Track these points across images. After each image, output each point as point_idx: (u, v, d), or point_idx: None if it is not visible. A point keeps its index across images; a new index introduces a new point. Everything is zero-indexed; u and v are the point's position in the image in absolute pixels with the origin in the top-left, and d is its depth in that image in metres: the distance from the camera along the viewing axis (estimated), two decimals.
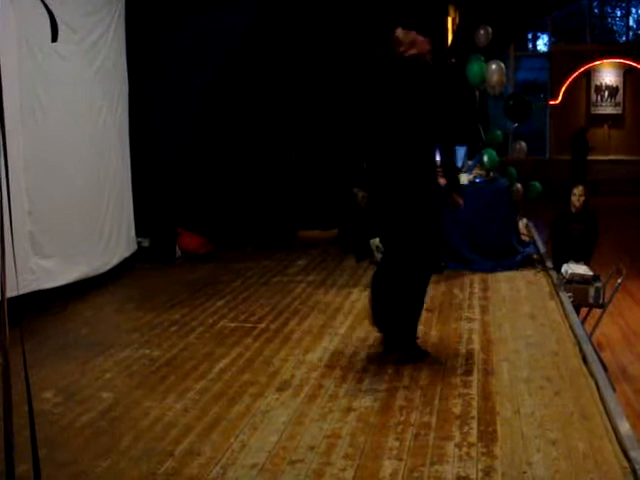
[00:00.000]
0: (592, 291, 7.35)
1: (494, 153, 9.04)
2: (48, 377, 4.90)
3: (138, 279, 8.14)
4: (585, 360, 5.02)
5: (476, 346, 5.46)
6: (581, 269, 7.58)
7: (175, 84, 9.07)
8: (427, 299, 5.56)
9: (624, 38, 24.55)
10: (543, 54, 23.58)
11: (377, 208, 5.06)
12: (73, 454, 3.77)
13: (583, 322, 7.06)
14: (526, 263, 8.24)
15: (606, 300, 7.34)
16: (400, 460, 3.62)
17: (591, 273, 7.56)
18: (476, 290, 7.24)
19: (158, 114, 9.04)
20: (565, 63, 22.06)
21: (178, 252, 9.12)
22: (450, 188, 5.31)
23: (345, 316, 6.34)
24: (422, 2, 10.28)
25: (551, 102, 22.27)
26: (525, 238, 9.39)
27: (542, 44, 24.40)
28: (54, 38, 3.03)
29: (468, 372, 4.88)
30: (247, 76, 9.59)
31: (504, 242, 8.31)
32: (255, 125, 9.83)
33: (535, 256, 8.53)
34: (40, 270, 6.48)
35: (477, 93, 9.68)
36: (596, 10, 24.38)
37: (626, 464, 3.51)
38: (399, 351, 5.12)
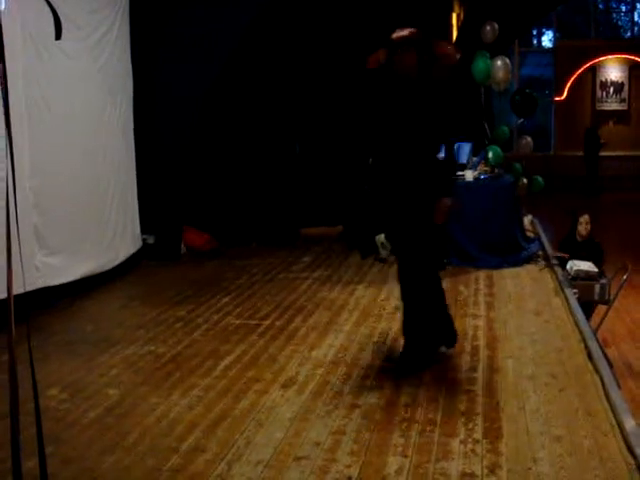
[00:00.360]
0: (597, 288, 7.35)
1: (499, 149, 9.03)
2: (54, 374, 4.91)
3: (143, 276, 8.15)
4: (590, 356, 5.01)
5: (481, 343, 5.46)
6: (586, 265, 7.58)
7: (179, 81, 9.07)
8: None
9: (629, 33, 24.44)
10: (548, 50, 23.50)
11: (382, 205, 5.02)
12: (79, 450, 3.79)
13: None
14: (531, 259, 8.23)
15: (612, 296, 7.33)
16: (405, 457, 3.63)
17: (596, 270, 7.56)
18: (481, 287, 7.23)
19: (162, 111, 9.04)
20: (570, 59, 21.98)
21: (183, 249, 9.13)
22: (440, 190, 4.84)
23: (350, 313, 6.34)
24: None
25: (556, 98, 22.21)
26: (530, 234, 9.38)
27: (547, 40, 24.32)
28: (58, 36, 3.04)
29: (473, 369, 4.88)
30: (251, 72, 9.58)
31: (509, 238, 8.31)
32: (259, 121, 9.82)
33: (540, 253, 8.52)
34: (46, 267, 6.50)
35: (482, 89, 9.67)
36: (601, 5, 24.28)
37: (631, 460, 3.51)
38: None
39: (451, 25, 12.05)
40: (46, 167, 6.52)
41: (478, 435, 3.85)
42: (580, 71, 22.07)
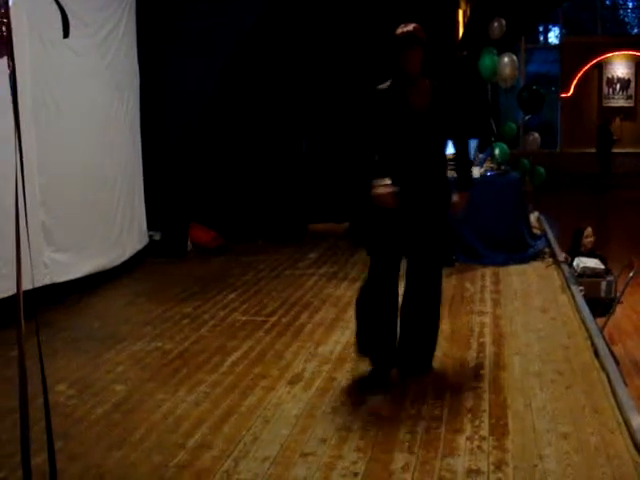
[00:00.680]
0: (604, 285, 7.33)
1: (505, 146, 9.03)
2: (61, 370, 4.93)
3: (150, 272, 8.16)
4: (597, 354, 5.01)
5: (487, 339, 5.47)
6: (592, 263, 7.57)
7: (186, 77, 9.08)
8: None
9: (636, 30, 24.40)
10: (554, 47, 23.44)
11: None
12: (86, 446, 3.80)
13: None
14: (537, 256, 8.22)
15: (618, 294, 7.32)
16: (411, 453, 3.64)
17: (603, 267, 7.55)
18: (487, 283, 7.23)
19: (169, 107, 9.05)
20: (576, 55, 21.92)
21: (189, 245, 9.14)
22: (461, 184, 4.87)
23: None
24: None
25: (562, 95, 22.16)
26: (537, 231, 9.37)
27: (553, 36, 24.27)
28: (66, 34, 3.05)
29: (479, 365, 4.89)
30: (257, 68, 9.59)
31: (516, 235, 8.30)
32: (265, 117, 9.83)
33: (546, 250, 8.51)
34: (53, 264, 6.52)
35: (489, 86, 9.66)
36: (608, 2, 24.21)
37: (638, 458, 3.51)
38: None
39: (457, 22, 12.03)
40: (53, 164, 6.53)
41: (484, 432, 3.86)
42: (587, 68, 22.01)
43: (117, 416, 4.20)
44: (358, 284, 7.14)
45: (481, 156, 9.14)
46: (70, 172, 6.85)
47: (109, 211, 7.65)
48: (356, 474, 3.44)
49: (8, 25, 2.55)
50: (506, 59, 9.01)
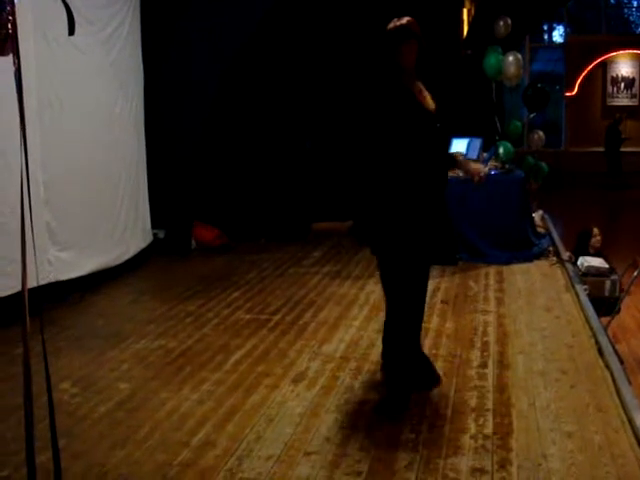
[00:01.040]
0: (608, 284, 7.33)
1: (509, 145, 9.02)
2: (65, 368, 4.93)
3: (153, 271, 8.17)
4: (601, 352, 5.01)
5: (491, 338, 5.46)
6: (597, 261, 7.56)
7: (190, 76, 9.08)
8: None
9: None
10: (559, 45, 23.43)
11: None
12: (89, 444, 3.81)
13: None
14: (541, 255, 8.22)
15: (622, 293, 7.32)
16: (415, 452, 3.63)
17: (607, 266, 7.54)
18: (491, 282, 7.22)
19: (173, 106, 9.05)
20: (581, 54, 21.91)
21: (193, 244, 9.14)
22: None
23: (360, 308, 6.34)
24: None
25: (567, 94, 22.15)
26: (541, 230, 9.36)
27: (558, 35, 24.25)
28: (71, 31, 3.04)
29: (483, 364, 4.88)
30: (261, 66, 9.58)
31: (520, 234, 8.29)
32: (269, 116, 9.82)
33: (550, 248, 8.50)
34: (58, 261, 6.52)
35: (494, 85, 9.65)
36: (612, 1, 24.19)
37: None
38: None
39: (462, 21, 12.02)
40: (57, 162, 6.54)
41: (488, 431, 3.85)
42: (591, 66, 22.00)
43: (121, 414, 4.20)
44: (362, 282, 7.20)
45: (485, 155, 9.13)
46: (74, 170, 6.85)
47: (113, 209, 7.65)
48: (360, 473, 3.44)
49: (14, 23, 2.55)
50: (511, 58, 8.99)
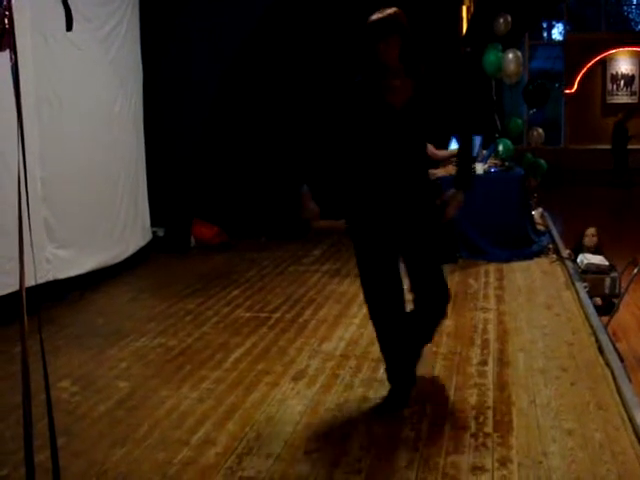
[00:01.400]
0: (608, 281, 7.33)
1: (509, 142, 9.02)
2: (64, 366, 4.93)
3: (153, 269, 8.16)
4: (601, 350, 5.00)
5: (491, 336, 5.45)
6: (597, 259, 7.56)
7: (189, 73, 9.07)
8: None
9: None
10: (558, 43, 23.43)
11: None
12: (89, 443, 3.79)
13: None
14: (541, 253, 8.21)
15: (622, 290, 7.31)
16: (415, 450, 3.62)
17: (607, 263, 7.54)
18: (491, 280, 7.22)
19: (173, 103, 9.04)
20: (580, 52, 21.91)
21: (193, 242, 9.14)
22: (457, 182, 4.43)
23: (360, 305, 6.31)
24: None
25: (566, 91, 22.15)
26: (540, 228, 9.36)
27: (557, 33, 24.25)
28: (69, 27, 3.03)
29: (483, 362, 4.88)
30: (261, 65, 9.57)
31: (520, 232, 8.28)
32: (268, 114, 9.81)
33: (550, 246, 8.50)
34: (56, 260, 6.51)
35: (493, 82, 9.65)
36: None
37: None
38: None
39: (461, 18, 12.01)
40: (56, 160, 6.53)
41: (489, 428, 3.85)
42: (590, 64, 22.00)
43: (120, 413, 4.19)
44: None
45: (485, 152, 9.13)
46: (73, 168, 6.84)
47: (112, 207, 7.64)
48: (360, 471, 3.43)
49: (10, 18, 2.54)
50: (511, 55, 8.99)
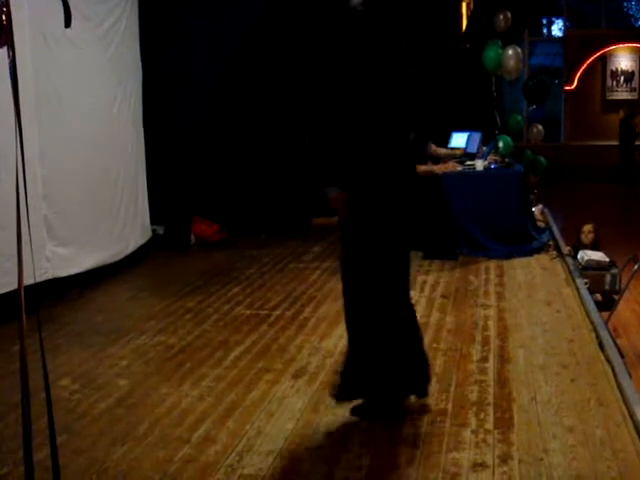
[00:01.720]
0: (608, 277, 7.32)
1: (509, 139, 9.02)
2: (65, 364, 4.92)
3: (153, 267, 8.16)
4: (601, 346, 5.00)
5: (492, 333, 5.45)
6: (597, 255, 7.55)
7: (189, 71, 9.06)
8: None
9: None
10: (558, 39, 23.41)
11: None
12: (90, 441, 3.80)
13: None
14: (542, 249, 8.21)
15: (622, 287, 7.31)
16: (416, 447, 3.62)
17: (607, 260, 7.53)
18: (491, 276, 7.21)
19: (172, 101, 9.03)
20: (580, 48, 21.90)
21: (192, 239, 9.13)
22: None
23: None
24: None
25: (566, 87, 22.14)
26: (541, 224, 9.35)
27: (557, 29, 24.24)
28: (67, 23, 3.02)
29: (484, 359, 4.87)
30: (260, 62, 9.56)
31: (520, 228, 8.28)
32: (268, 111, 9.80)
33: (551, 242, 8.49)
34: (55, 258, 6.51)
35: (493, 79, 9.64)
36: None
37: None
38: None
39: (461, 14, 12.00)
40: (56, 158, 6.52)
41: (489, 425, 3.84)
42: (590, 60, 21.99)
43: (121, 411, 4.19)
44: None
45: (485, 149, 9.13)
46: (73, 165, 6.83)
47: (112, 205, 7.64)
48: (360, 468, 3.43)
49: (8, 14, 2.53)
50: (510, 51, 8.99)
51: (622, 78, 22.10)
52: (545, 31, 24.49)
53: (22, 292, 2.67)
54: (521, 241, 8.18)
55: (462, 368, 4.71)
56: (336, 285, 6.95)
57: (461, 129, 9.54)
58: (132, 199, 8.06)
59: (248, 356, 5.05)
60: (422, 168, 8.04)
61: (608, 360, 4.72)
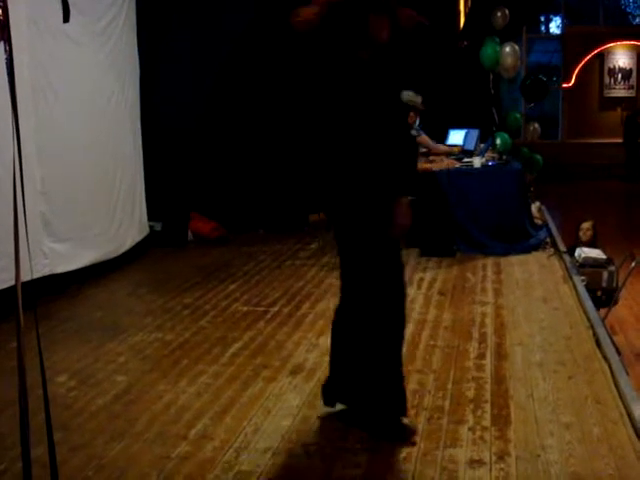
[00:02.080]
0: (605, 275, 7.33)
1: (507, 136, 9.02)
2: (62, 361, 4.92)
3: (150, 263, 8.15)
4: (598, 344, 5.00)
5: (489, 330, 5.45)
6: (594, 253, 7.56)
7: (186, 68, 9.05)
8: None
9: (638, 20, 24.37)
10: (556, 37, 23.41)
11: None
12: (87, 437, 3.79)
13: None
14: (539, 247, 8.21)
15: (619, 284, 7.32)
16: (413, 444, 3.62)
17: (604, 257, 7.54)
18: (489, 274, 7.21)
19: (169, 98, 9.02)
20: (578, 45, 21.90)
21: (190, 236, 9.13)
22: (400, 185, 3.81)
23: None
24: None
25: (564, 85, 22.14)
26: (538, 221, 9.36)
27: (555, 26, 24.26)
28: (66, 18, 3.01)
29: (481, 356, 4.87)
30: (259, 58, 9.54)
31: (517, 225, 8.28)
32: (266, 107, 9.79)
33: (548, 240, 8.50)
34: (53, 254, 6.50)
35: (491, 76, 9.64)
36: None
37: None
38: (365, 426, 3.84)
39: (459, 12, 12.01)
40: (53, 154, 6.51)
41: (486, 422, 3.84)
42: (588, 58, 22.00)
43: (118, 407, 4.19)
44: None
45: (482, 146, 9.13)
46: (70, 162, 6.82)
47: (109, 201, 7.63)
48: (358, 465, 3.43)
49: (5, 9, 2.52)
50: (508, 49, 8.99)
51: (620, 75, 22.11)
52: (543, 28, 24.52)
53: (19, 289, 2.67)
54: (519, 238, 8.19)
55: (459, 365, 4.71)
56: (333, 281, 6.96)
57: (459, 126, 9.55)
58: (129, 195, 8.06)
59: (245, 353, 5.05)
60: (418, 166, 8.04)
61: (605, 357, 4.73)
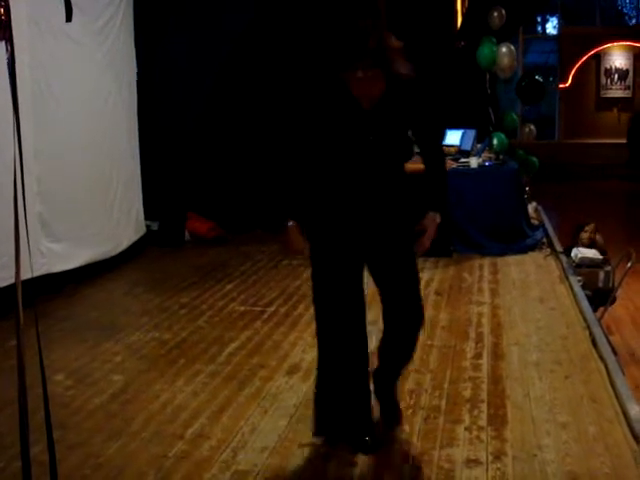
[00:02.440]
0: (602, 275, 7.33)
1: (504, 136, 9.02)
2: (59, 360, 4.92)
3: (147, 263, 8.15)
4: (595, 344, 5.02)
5: (486, 329, 5.46)
6: (590, 253, 7.57)
7: (184, 67, 9.05)
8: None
9: (634, 21, 24.36)
10: (552, 37, 23.41)
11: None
12: (84, 436, 3.80)
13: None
14: (535, 247, 8.22)
15: (616, 284, 7.32)
16: (410, 444, 3.63)
17: (601, 257, 7.54)
18: (485, 274, 7.23)
19: (167, 97, 9.02)
20: (574, 46, 21.90)
21: (187, 236, 9.12)
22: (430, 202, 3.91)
23: None
24: None
25: (560, 85, 22.15)
26: (535, 222, 9.37)
27: (551, 27, 24.26)
28: (69, 17, 3.01)
29: (478, 355, 4.89)
30: (258, 58, 9.54)
31: (514, 225, 8.30)
32: (264, 109, 9.78)
33: (544, 240, 8.51)
34: (50, 253, 6.50)
35: (487, 76, 9.64)
36: None
37: (636, 447, 3.52)
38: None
39: (456, 11, 12.00)
40: (50, 153, 6.51)
41: (483, 422, 3.86)
42: (584, 58, 21.99)
43: (115, 406, 4.19)
44: None
45: (479, 146, 9.14)
46: (67, 161, 6.82)
47: (106, 201, 7.62)
48: (354, 464, 3.44)
49: (7, 8, 2.52)
50: (504, 49, 8.99)
51: (616, 76, 22.11)
52: (539, 29, 24.51)
53: (19, 287, 2.67)
54: (515, 238, 8.20)
55: (456, 365, 4.73)
56: None
57: (455, 126, 9.55)
58: (127, 195, 8.05)
59: (242, 352, 5.05)
60: (410, 166, 8.03)
61: (601, 357, 4.75)
